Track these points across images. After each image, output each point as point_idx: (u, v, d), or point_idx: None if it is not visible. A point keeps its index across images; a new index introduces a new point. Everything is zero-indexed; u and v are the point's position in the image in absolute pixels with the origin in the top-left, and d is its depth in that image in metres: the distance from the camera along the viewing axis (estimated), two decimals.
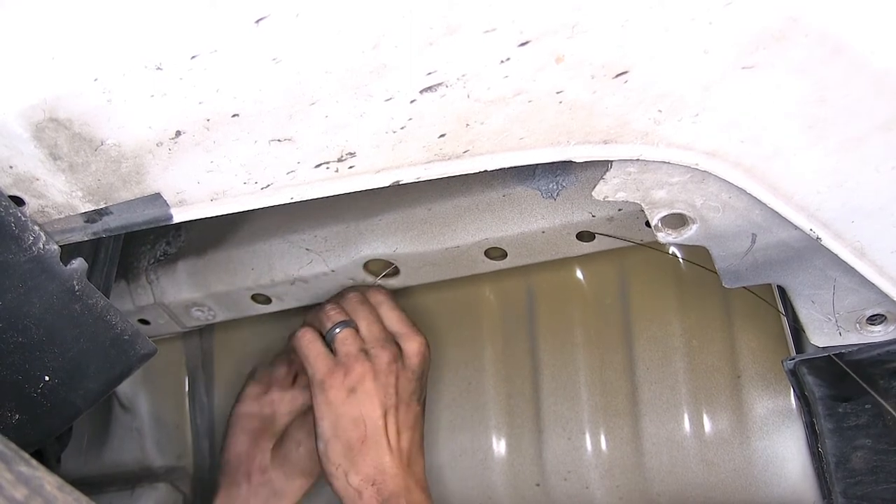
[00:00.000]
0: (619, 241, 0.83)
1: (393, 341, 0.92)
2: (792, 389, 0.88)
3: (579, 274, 0.99)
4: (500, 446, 1.01)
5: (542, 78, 0.51)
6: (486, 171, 0.57)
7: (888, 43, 0.47)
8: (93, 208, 0.59)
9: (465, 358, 1.03)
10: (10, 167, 0.56)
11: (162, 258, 1.00)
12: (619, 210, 0.78)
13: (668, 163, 0.56)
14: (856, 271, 0.61)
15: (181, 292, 0.98)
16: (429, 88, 0.51)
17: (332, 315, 0.93)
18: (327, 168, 0.57)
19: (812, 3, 0.46)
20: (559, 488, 0.98)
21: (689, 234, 0.63)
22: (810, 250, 0.62)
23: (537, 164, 0.59)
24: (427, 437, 1.02)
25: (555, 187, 0.80)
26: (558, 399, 0.98)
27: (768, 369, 0.91)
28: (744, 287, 0.69)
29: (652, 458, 0.95)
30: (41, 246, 0.59)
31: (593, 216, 0.79)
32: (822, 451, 0.79)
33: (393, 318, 0.94)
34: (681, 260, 0.94)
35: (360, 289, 0.95)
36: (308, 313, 0.97)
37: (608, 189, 0.60)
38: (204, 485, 1.17)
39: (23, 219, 0.58)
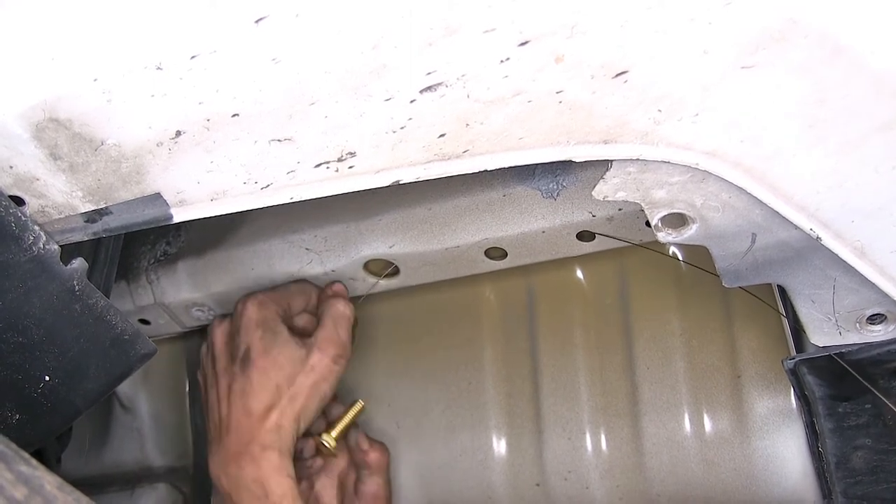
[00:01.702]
0: (619, 240, 0.83)
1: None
2: (792, 389, 0.88)
3: (579, 274, 0.99)
4: (500, 446, 1.01)
5: (541, 78, 0.51)
6: (485, 170, 0.57)
7: (888, 43, 0.47)
8: (93, 208, 0.59)
9: (465, 358, 1.03)
10: (11, 167, 0.56)
11: (162, 258, 1.00)
12: (619, 210, 0.78)
13: (668, 162, 0.56)
14: (856, 271, 0.61)
15: (181, 292, 0.98)
16: (428, 88, 0.51)
17: None
18: (327, 168, 0.57)
19: (812, 4, 0.46)
20: (559, 488, 0.98)
21: (689, 233, 0.63)
22: (810, 250, 0.62)
23: (537, 164, 0.59)
24: (427, 438, 1.02)
25: (555, 187, 0.79)
26: (558, 399, 0.98)
27: (768, 369, 0.91)
28: (743, 287, 0.69)
29: (652, 458, 0.95)
30: (41, 246, 0.59)
31: (593, 216, 0.79)
32: (822, 450, 0.79)
33: None
34: (682, 262, 0.94)
35: None
36: None
37: (608, 189, 0.60)
38: (204, 485, 1.17)
39: (23, 219, 0.58)
